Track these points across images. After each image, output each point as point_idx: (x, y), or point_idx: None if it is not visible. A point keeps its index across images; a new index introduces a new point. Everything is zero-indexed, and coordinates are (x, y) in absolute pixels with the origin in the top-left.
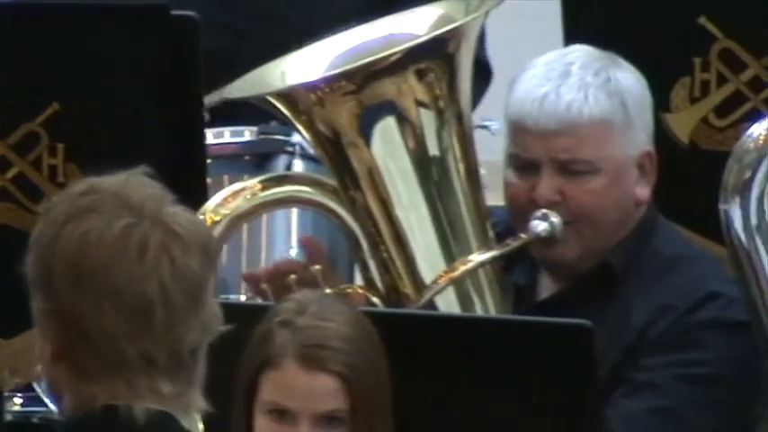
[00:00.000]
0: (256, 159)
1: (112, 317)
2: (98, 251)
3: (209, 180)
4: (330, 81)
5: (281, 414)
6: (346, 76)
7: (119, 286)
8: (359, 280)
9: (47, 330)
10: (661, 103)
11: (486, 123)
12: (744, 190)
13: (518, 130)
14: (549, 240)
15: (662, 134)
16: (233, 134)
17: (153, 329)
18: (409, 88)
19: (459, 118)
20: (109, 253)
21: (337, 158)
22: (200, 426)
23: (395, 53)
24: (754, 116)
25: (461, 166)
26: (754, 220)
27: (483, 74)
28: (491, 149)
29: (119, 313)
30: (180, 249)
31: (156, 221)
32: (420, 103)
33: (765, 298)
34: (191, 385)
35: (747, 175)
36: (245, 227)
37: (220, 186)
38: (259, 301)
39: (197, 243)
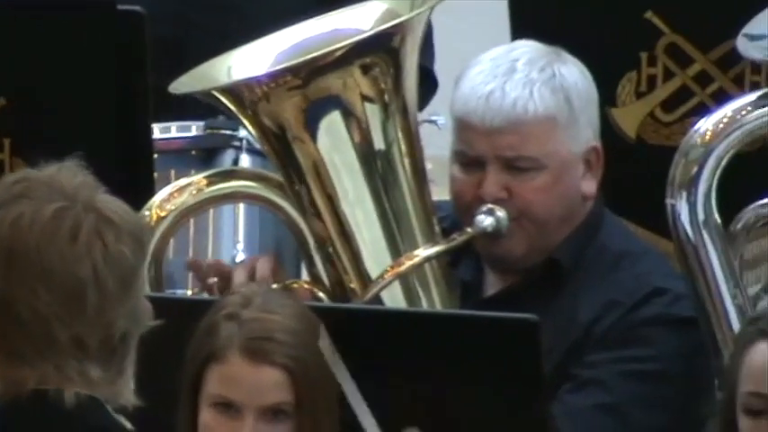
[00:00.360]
0: (203, 154)
1: (45, 299)
2: (30, 233)
3: (155, 175)
4: (275, 76)
5: (226, 407)
6: (292, 71)
7: (51, 267)
8: (305, 275)
9: None
10: (607, 98)
11: (433, 118)
12: (691, 185)
13: (464, 127)
14: (494, 235)
15: (608, 129)
16: (179, 129)
17: (85, 313)
18: (354, 83)
19: (405, 112)
20: (41, 235)
21: (283, 153)
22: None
23: (340, 48)
24: (700, 111)
25: (407, 161)
26: (700, 215)
27: (428, 83)
28: (437, 144)
29: (51, 295)
30: (113, 235)
31: (88, 207)
32: (365, 98)
33: (712, 293)
34: (121, 375)
35: (694, 170)
36: (191, 222)
37: (167, 181)
38: (206, 295)
39: (129, 230)
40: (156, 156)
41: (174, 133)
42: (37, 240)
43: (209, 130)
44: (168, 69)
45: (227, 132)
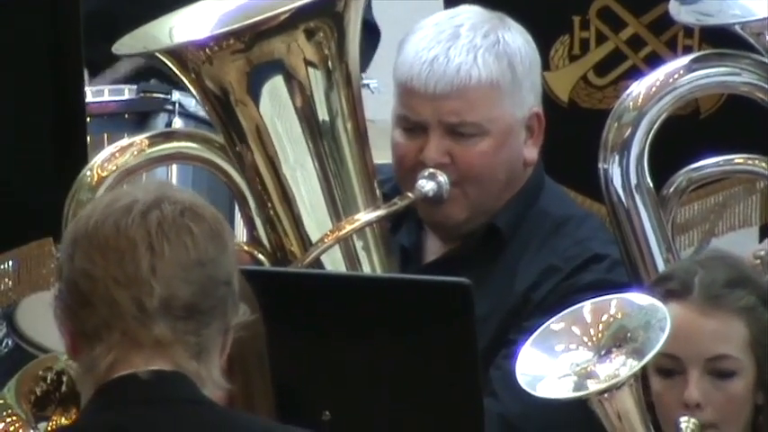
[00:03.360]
0: (136, 117)
1: (101, 264)
2: (90, 217)
3: (89, 138)
4: (219, 39)
5: None
6: (235, 34)
7: (106, 236)
8: (239, 238)
9: (62, 320)
10: (540, 62)
11: (367, 82)
12: (623, 149)
13: (407, 92)
14: (435, 200)
15: (542, 93)
16: (112, 92)
17: (139, 273)
18: (298, 47)
19: (348, 78)
20: (99, 214)
21: (225, 116)
22: None
23: (284, 12)
24: (633, 74)
25: (349, 125)
26: (633, 179)
27: (370, 35)
28: (370, 108)
29: (106, 260)
30: (171, 207)
31: (150, 193)
32: (309, 63)
33: (645, 257)
34: (200, 353)
35: (627, 133)
36: (125, 185)
37: (101, 145)
38: None
39: (191, 207)
40: (89, 119)
41: (107, 97)
42: (96, 218)
43: (142, 94)
44: (100, 42)
45: (160, 96)
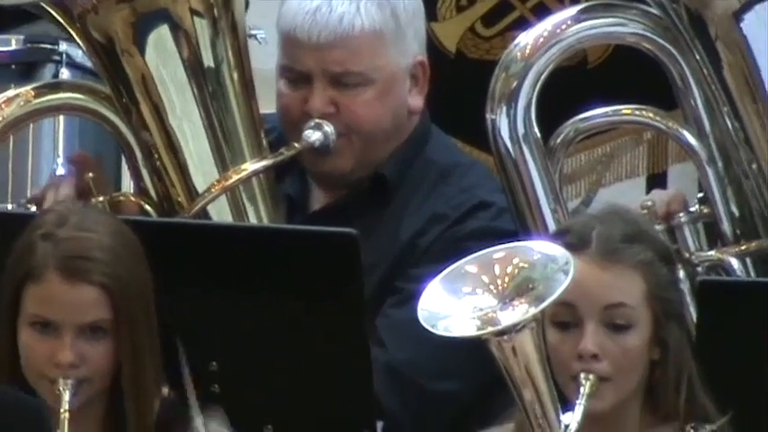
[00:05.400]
0: (23, 68)
1: None
2: None
3: None
4: None
5: (44, 326)
6: None
7: None
8: (125, 189)
9: None
10: (427, 13)
11: (254, 32)
12: (510, 99)
13: (290, 43)
14: (322, 150)
15: (429, 43)
16: None
17: None
18: None
19: (234, 27)
20: None
21: (111, 66)
22: None
23: None
24: (521, 25)
25: (235, 75)
26: (521, 130)
27: None
28: (258, 58)
29: None
30: None
31: None
32: (194, 12)
33: (532, 207)
34: None
35: (514, 84)
36: (10, 137)
37: None
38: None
39: None
40: None
41: None
42: None
43: (28, 44)
44: None
45: (48, 46)
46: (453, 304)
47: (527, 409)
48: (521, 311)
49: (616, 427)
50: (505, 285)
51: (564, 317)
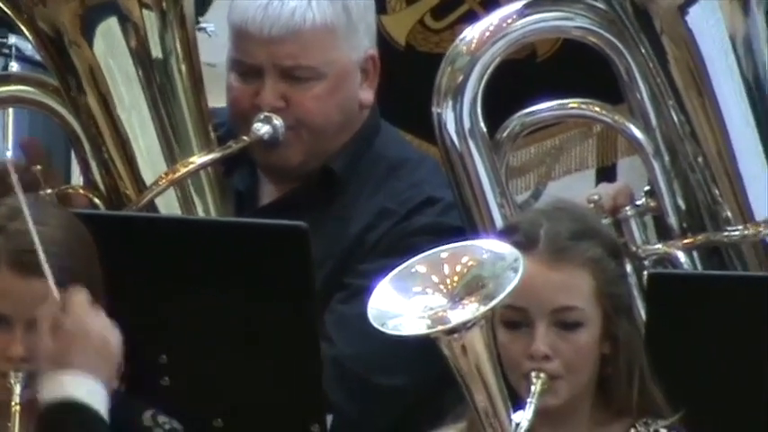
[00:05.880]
0: None
1: None
2: None
3: None
4: None
5: None
6: None
7: None
8: (74, 181)
9: None
10: (377, 5)
11: (204, 25)
12: (457, 93)
13: (242, 36)
14: (271, 144)
15: (378, 37)
16: None
17: None
18: None
19: (182, 20)
20: None
21: (59, 59)
22: None
23: None
24: (470, 18)
25: (184, 67)
26: (467, 124)
27: None
28: (208, 52)
29: None
30: None
31: None
32: (143, 4)
33: (479, 201)
34: None
35: (460, 78)
36: None
37: None
38: None
39: None
40: None
41: None
42: None
43: None
44: None
45: None
46: (403, 303)
47: (478, 408)
48: (471, 310)
49: (568, 423)
50: (455, 285)
51: (514, 317)
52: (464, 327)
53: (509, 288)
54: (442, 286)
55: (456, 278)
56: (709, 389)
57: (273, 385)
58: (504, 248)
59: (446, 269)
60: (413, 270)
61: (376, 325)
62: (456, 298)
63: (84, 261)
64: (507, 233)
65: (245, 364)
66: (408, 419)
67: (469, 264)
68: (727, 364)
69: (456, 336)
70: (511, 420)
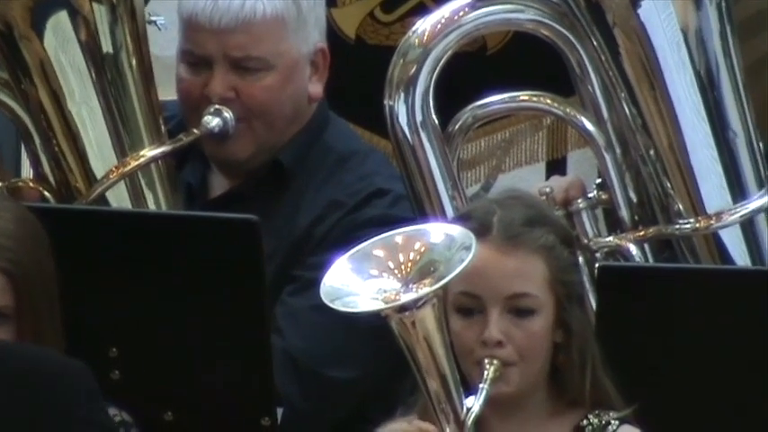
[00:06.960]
0: None
1: None
2: None
3: None
4: None
5: None
6: None
7: None
8: (24, 174)
9: None
10: None
11: (154, 18)
12: (408, 86)
13: (192, 27)
14: (221, 136)
15: (328, 29)
16: None
17: None
18: None
19: (132, 13)
20: None
21: (9, 52)
22: None
23: None
24: (420, 11)
25: (134, 60)
26: (418, 116)
27: None
28: (158, 44)
29: None
30: None
31: None
32: None
33: (431, 194)
34: None
35: (412, 70)
36: None
37: None
38: None
39: None
40: None
41: None
42: None
43: None
44: None
45: None
46: (357, 283)
47: (430, 392)
48: (423, 293)
49: (521, 413)
50: (409, 270)
51: (467, 304)
52: (414, 305)
53: (460, 267)
54: (396, 271)
55: (410, 264)
56: (659, 381)
57: (224, 378)
58: (457, 231)
59: (401, 256)
60: (370, 252)
61: (326, 301)
62: (410, 283)
63: (36, 254)
64: (461, 221)
65: (195, 357)
66: (360, 412)
67: (422, 249)
68: (677, 356)
69: (407, 314)
70: (462, 405)
